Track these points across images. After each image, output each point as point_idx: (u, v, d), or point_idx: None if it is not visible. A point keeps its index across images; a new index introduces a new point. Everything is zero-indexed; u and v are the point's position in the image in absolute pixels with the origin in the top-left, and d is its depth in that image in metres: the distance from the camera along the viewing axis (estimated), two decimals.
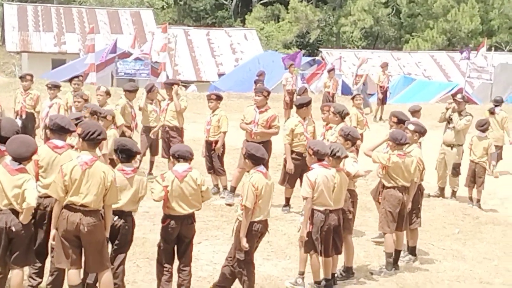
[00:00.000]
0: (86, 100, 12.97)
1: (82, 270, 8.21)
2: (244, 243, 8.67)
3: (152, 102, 15.12)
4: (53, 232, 7.99)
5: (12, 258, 7.74)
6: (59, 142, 8.34)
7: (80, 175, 7.80)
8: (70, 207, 7.84)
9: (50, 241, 8.08)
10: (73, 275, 8.00)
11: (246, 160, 8.88)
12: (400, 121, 11.52)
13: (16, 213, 7.67)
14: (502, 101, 18.49)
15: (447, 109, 15.24)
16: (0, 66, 47.59)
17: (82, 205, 7.83)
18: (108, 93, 14.15)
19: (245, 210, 8.66)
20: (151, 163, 15.20)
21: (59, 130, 8.38)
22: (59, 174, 7.86)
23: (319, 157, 9.41)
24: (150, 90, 15.12)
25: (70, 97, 15.20)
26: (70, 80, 15.73)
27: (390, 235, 10.71)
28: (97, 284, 8.20)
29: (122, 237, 8.45)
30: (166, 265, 8.78)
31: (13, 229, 7.64)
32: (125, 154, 8.44)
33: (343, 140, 10.22)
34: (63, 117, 8.98)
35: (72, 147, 8.69)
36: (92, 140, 7.96)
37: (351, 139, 10.25)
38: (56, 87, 15.37)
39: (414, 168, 10.70)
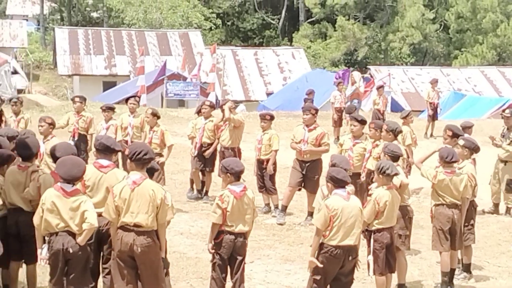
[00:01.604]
0: (50, 125, 12.43)
1: None
2: (312, 264, 8.58)
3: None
4: (114, 253, 8.08)
5: (68, 279, 7.83)
6: (104, 162, 8.47)
7: (130, 195, 7.88)
8: (124, 227, 7.93)
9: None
10: None
11: (327, 183, 8.81)
12: (455, 135, 11.42)
13: (72, 234, 7.77)
14: None
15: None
16: (53, 89, 48.35)
17: (135, 225, 7.89)
18: (154, 115, 14.23)
19: (316, 230, 8.60)
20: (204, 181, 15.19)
21: (104, 149, 8.52)
22: (110, 196, 7.96)
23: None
24: (200, 111, 15.20)
25: (125, 117, 15.37)
26: (126, 100, 15.90)
27: (446, 253, 10.59)
28: None
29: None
30: (220, 283, 8.79)
31: (70, 251, 7.74)
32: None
33: (384, 155, 10.17)
34: (108, 137, 9.12)
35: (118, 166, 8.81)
36: (139, 160, 8.02)
37: (392, 154, 10.16)
38: (111, 109, 15.59)
39: (464, 185, 10.56)
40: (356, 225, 8.59)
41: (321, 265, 8.52)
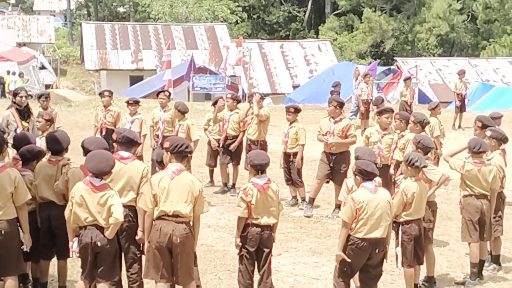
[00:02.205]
0: (48, 121, 12.30)
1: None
2: (339, 257, 8.58)
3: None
4: (147, 244, 8.13)
5: (98, 272, 7.89)
6: (125, 154, 8.56)
7: (169, 183, 7.99)
8: (162, 218, 7.99)
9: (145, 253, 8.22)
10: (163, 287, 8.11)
11: (356, 177, 8.79)
12: (485, 126, 11.34)
13: (100, 228, 7.83)
14: None
15: None
16: (80, 84, 48.71)
17: (174, 215, 7.96)
18: (179, 110, 14.31)
19: (342, 223, 8.61)
20: (234, 174, 15.26)
21: (127, 142, 8.65)
22: (148, 186, 8.07)
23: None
24: (216, 102, 15.26)
25: (156, 112, 15.45)
26: (157, 95, 15.98)
27: (475, 244, 10.54)
28: None
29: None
30: (247, 276, 8.82)
31: (99, 244, 7.81)
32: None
33: (415, 148, 10.12)
34: (131, 131, 9.25)
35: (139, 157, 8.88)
36: (179, 153, 8.16)
37: (422, 147, 10.12)
38: (136, 102, 15.65)
39: (493, 176, 10.51)
40: (384, 217, 8.55)
41: (348, 259, 8.52)
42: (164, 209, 7.97)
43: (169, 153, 8.21)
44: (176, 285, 8.39)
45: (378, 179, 9.56)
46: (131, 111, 15.45)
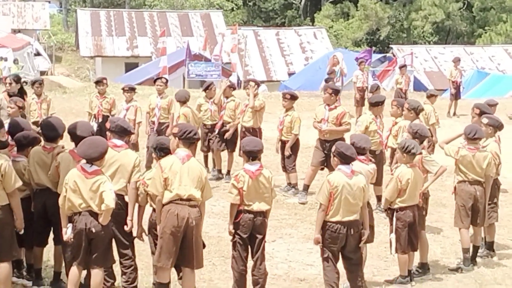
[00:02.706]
0: (20, 108, 11.93)
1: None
2: (317, 240, 8.69)
3: (209, 100, 15.16)
4: (139, 229, 8.18)
5: (92, 258, 7.89)
6: (118, 142, 8.59)
7: (181, 168, 8.05)
8: (177, 202, 8.04)
9: (139, 238, 8.24)
10: (166, 273, 8.14)
11: (334, 158, 8.83)
12: (482, 113, 11.39)
13: (94, 214, 7.83)
14: None
15: None
16: (75, 70, 48.57)
17: (187, 199, 8.03)
18: (180, 100, 14.38)
19: (319, 206, 8.70)
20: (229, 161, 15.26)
21: (121, 131, 8.67)
22: (158, 170, 8.11)
23: (357, 150, 9.26)
24: (207, 88, 15.25)
25: (153, 98, 15.46)
26: (154, 82, 15.97)
27: (465, 230, 10.60)
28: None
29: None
30: (241, 262, 8.83)
31: (93, 230, 7.80)
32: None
33: (412, 137, 10.11)
34: (124, 120, 9.35)
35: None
36: (188, 139, 8.22)
37: (419, 137, 10.14)
38: (132, 89, 15.62)
39: (488, 163, 10.54)
40: (357, 203, 8.65)
41: (327, 242, 8.63)
42: (179, 192, 8.02)
43: (177, 138, 8.24)
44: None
45: (372, 166, 9.59)
46: (126, 98, 15.44)
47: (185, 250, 8.08)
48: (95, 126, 15.26)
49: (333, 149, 8.88)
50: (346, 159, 8.68)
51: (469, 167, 10.48)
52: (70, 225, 7.90)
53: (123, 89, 15.78)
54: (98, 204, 7.78)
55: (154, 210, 8.56)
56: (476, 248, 10.82)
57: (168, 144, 8.60)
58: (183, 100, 14.49)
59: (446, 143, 10.87)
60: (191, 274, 8.14)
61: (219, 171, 15.21)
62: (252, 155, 8.80)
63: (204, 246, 8.49)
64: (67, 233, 7.90)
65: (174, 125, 8.49)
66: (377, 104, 12.83)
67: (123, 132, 8.70)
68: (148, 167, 15.02)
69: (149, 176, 8.51)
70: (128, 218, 8.39)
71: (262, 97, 15.40)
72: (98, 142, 8.05)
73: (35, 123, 14.47)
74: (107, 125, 8.87)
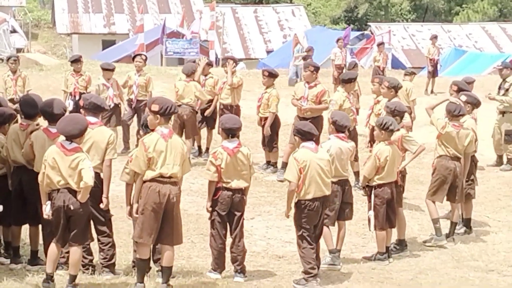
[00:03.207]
0: None
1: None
2: (287, 214, 8.85)
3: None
4: (135, 206, 8.13)
5: (70, 236, 7.85)
6: (92, 119, 8.47)
7: (166, 147, 7.99)
8: (158, 180, 7.99)
9: (134, 215, 8.20)
10: (146, 249, 8.12)
11: (295, 137, 8.91)
12: (460, 90, 11.48)
13: (73, 192, 7.78)
14: None
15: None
16: (52, 48, 48.10)
17: (170, 176, 8.00)
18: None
19: (289, 185, 8.74)
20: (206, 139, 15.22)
21: (94, 108, 8.58)
22: (141, 148, 8.02)
23: (337, 128, 9.36)
24: (193, 73, 15.17)
25: (132, 75, 15.42)
26: (133, 58, 15.87)
27: (430, 202, 10.77)
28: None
29: None
30: (219, 239, 8.84)
31: (71, 208, 7.75)
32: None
33: (391, 115, 10.14)
34: (98, 97, 9.22)
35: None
36: (169, 115, 8.16)
37: (398, 114, 10.19)
38: (110, 70, 15.33)
39: (469, 141, 10.64)
40: (327, 176, 8.75)
41: (303, 221, 8.70)
42: (162, 171, 7.97)
43: (158, 116, 8.10)
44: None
45: (351, 143, 9.63)
46: (105, 76, 15.20)
47: (164, 226, 8.07)
48: (71, 104, 15.16)
49: (293, 129, 8.96)
50: (306, 135, 8.77)
51: (451, 143, 10.58)
52: (48, 202, 7.84)
53: (101, 67, 15.53)
54: (77, 181, 7.73)
55: None
56: (454, 225, 10.91)
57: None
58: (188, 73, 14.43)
59: (431, 108, 10.96)
60: (170, 250, 8.12)
61: (199, 147, 15.18)
62: (231, 133, 8.80)
63: None
64: (46, 210, 7.85)
65: (151, 101, 8.31)
66: (349, 81, 12.82)
67: (97, 109, 8.62)
68: (126, 142, 15.07)
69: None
70: (104, 195, 8.35)
71: (240, 74, 15.36)
72: (77, 119, 8.00)
73: (10, 100, 14.38)
74: (81, 102, 8.80)
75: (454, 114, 10.61)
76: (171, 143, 8.04)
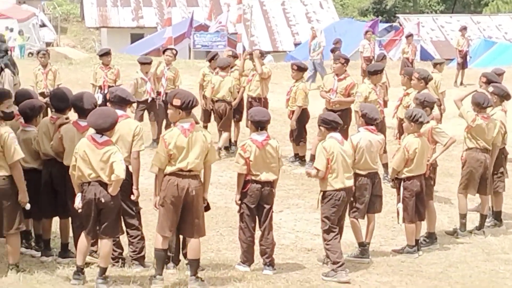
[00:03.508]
0: None
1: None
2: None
3: (213, 71, 15.09)
4: (155, 199, 8.15)
5: (101, 228, 7.90)
6: (118, 112, 8.39)
7: (187, 142, 7.95)
8: (177, 173, 7.99)
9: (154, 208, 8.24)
10: (164, 240, 8.10)
11: (320, 127, 8.91)
12: (490, 82, 11.40)
13: (104, 185, 7.81)
14: None
15: None
16: (81, 42, 48.42)
17: (189, 170, 7.98)
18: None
19: (317, 172, 8.79)
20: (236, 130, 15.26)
21: (120, 101, 8.57)
22: (162, 145, 8.02)
23: (367, 120, 9.35)
24: (212, 58, 15.20)
25: (161, 69, 15.48)
26: (163, 52, 15.93)
27: (464, 196, 10.71)
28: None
29: None
30: (248, 232, 8.85)
31: (102, 200, 7.79)
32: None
33: (421, 107, 10.10)
34: (123, 90, 9.15)
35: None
36: (191, 108, 8.11)
37: (427, 105, 10.15)
38: (148, 64, 15.37)
39: (497, 132, 10.59)
40: (349, 169, 8.89)
41: (331, 212, 8.80)
42: (180, 166, 7.96)
43: (180, 110, 8.05)
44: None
45: (381, 136, 9.61)
46: (144, 70, 15.23)
47: (185, 219, 8.08)
48: (100, 98, 15.22)
49: (318, 119, 9.02)
50: (331, 124, 8.83)
51: (481, 136, 10.55)
52: (79, 194, 7.89)
53: (138, 61, 15.58)
54: (108, 174, 7.76)
55: None
56: (483, 217, 10.85)
57: None
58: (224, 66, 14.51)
59: (461, 100, 10.89)
60: (194, 243, 8.13)
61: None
62: (260, 125, 8.79)
63: (208, 208, 8.44)
64: (76, 202, 7.90)
65: (172, 95, 8.24)
66: (375, 73, 12.73)
67: (122, 102, 8.61)
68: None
69: None
70: (134, 187, 8.38)
71: (269, 66, 15.36)
72: (108, 113, 8.03)
73: (41, 94, 14.50)
74: (107, 96, 8.83)
75: (482, 106, 10.54)
76: (192, 138, 7.99)
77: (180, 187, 7.96)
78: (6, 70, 13.43)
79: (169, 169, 8.01)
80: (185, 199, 8.00)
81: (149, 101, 15.00)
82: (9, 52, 13.55)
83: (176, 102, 8.04)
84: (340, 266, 8.68)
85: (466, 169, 10.66)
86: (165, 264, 8.32)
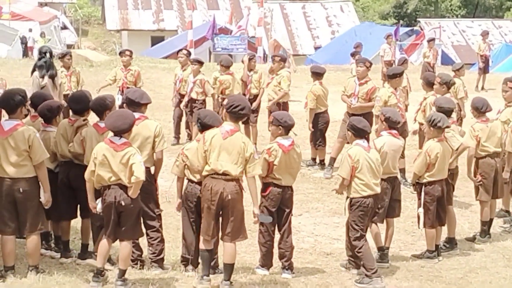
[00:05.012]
0: None
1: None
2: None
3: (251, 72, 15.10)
4: (178, 201, 8.27)
5: (121, 231, 7.89)
6: (136, 114, 8.34)
7: (221, 143, 7.95)
8: (212, 176, 7.98)
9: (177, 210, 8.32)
10: (208, 243, 8.12)
11: (348, 132, 8.86)
12: None
13: (124, 187, 7.80)
14: None
15: None
16: (101, 44, 48.68)
17: (223, 173, 7.95)
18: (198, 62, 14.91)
19: (341, 180, 8.75)
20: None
21: (130, 104, 8.56)
22: (201, 142, 8.05)
23: (390, 124, 9.28)
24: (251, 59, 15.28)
25: (177, 71, 15.62)
26: (177, 53, 16.02)
27: (487, 203, 10.67)
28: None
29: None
30: (268, 236, 8.83)
31: (122, 203, 7.78)
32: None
33: (440, 112, 10.04)
34: (135, 91, 9.01)
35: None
36: (234, 113, 8.06)
37: (445, 110, 10.08)
38: (199, 62, 15.37)
39: (501, 130, 10.58)
40: (375, 175, 8.75)
41: (359, 220, 8.70)
42: (214, 167, 7.95)
43: (225, 110, 8.14)
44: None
45: (402, 141, 9.57)
46: (193, 72, 15.22)
47: (223, 223, 8.08)
48: (119, 99, 15.25)
49: (347, 124, 8.94)
50: (359, 132, 8.73)
51: (488, 138, 10.51)
52: (99, 199, 7.89)
53: (190, 61, 15.55)
54: (128, 176, 7.75)
55: (189, 181, 8.54)
56: (491, 220, 10.86)
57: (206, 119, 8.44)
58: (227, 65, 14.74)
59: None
60: (230, 247, 8.10)
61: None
62: (289, 129, 8.77)
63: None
64: (97, 207, 7.91)
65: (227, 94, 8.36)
66: (394, 76, 12.65)
67: (133, 104, 8.54)
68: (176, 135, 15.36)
69: (188, 147, 8.53)
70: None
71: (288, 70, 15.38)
72: (126, 114, 8.01)
73: (65, 96, 14.54)
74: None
75: (480, 111, 10.52)
76: (229, 141, 7.95)
77: (213, 191, 7.95)
78: (35, 73, 13.53)
79: (206, 169, 8.01)
80: (221, 203, 7.98)
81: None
82: (47, 55, 13.57)
83: (225, 101, 8.14)
84: (374, 272, 8.63)
85: (479, 176, 10.63)
86: (195, 266, 8.43)
